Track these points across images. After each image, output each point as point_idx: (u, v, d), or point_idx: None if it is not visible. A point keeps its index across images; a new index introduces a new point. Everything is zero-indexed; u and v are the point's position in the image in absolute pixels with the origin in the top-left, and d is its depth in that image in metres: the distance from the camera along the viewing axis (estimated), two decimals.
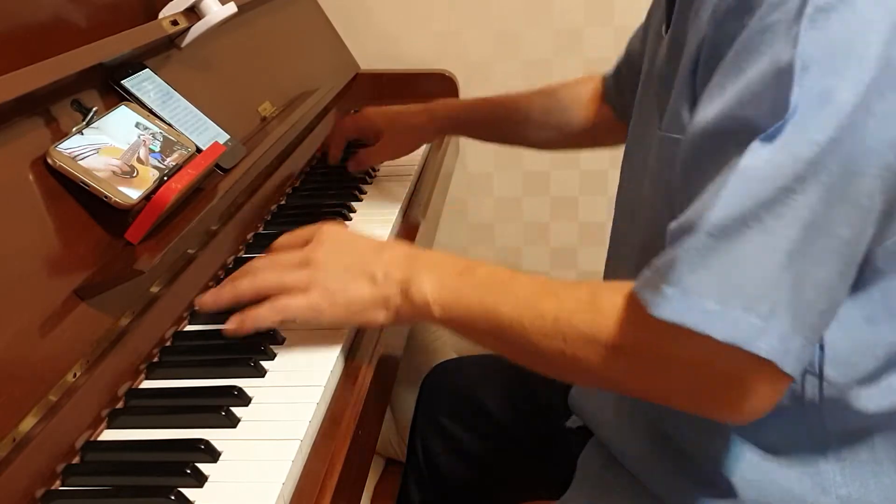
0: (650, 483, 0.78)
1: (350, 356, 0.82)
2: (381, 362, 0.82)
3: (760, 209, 0.56)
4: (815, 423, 0.69)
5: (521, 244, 1.89)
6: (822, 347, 0.66)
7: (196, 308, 0.83)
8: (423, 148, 1.40)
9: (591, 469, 0.87)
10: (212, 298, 0.79)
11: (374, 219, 1.12)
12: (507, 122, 1.17)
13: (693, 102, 0.66)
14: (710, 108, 0.60)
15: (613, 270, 0.90)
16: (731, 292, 0.57)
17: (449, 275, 0.73)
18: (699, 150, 0.62)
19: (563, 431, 0.95)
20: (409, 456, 1.14)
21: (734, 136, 0.58)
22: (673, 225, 0.61)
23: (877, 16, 0.55)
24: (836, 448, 0.70)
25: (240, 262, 0.99)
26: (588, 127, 1.15)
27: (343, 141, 1.26)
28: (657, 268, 0.60)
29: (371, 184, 1.25)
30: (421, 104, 1.22)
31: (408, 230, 1.11)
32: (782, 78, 0.56)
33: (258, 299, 0.76)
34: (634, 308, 0.62)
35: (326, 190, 1.22)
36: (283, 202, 1.17)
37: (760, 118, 0.57)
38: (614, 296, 0.64)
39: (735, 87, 0.59)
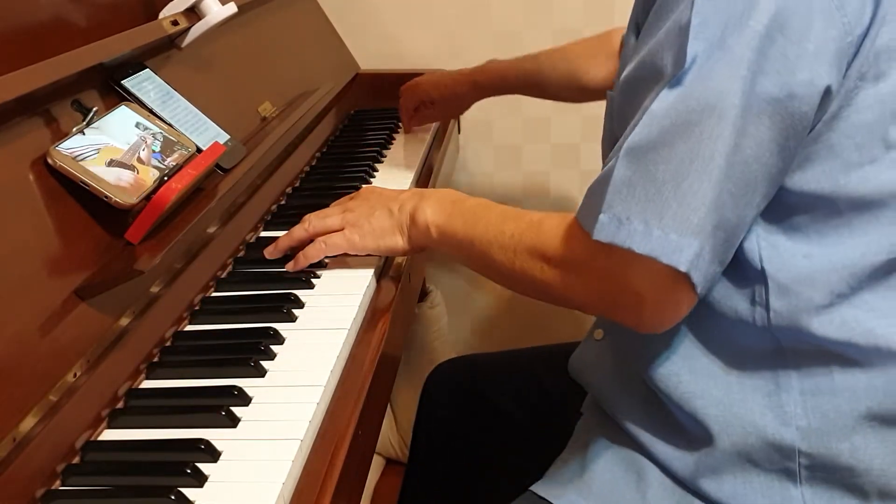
0: (639, 436, 0.82)
1: (350, 356, 0.82)
2: (381, 362, 0.82)
3: (669, 138, 0.66)
4: (777, 340, 0.75)
5: None
6: (766, 283, 0.73)
7: (265, 255, 0.96)
8: (424, 148, 1.41)
9: (589, 426, 0.89)
10: (272, 247, 0.96)
11: None
12: (538, 89, 1.34)
13: None
14: (634, 60, 0.72)
15: None
16: (652, 214, 0.67)
17: (445, 203, 0.89)
18: (624, 97, 0.74)
19: (562, 429, 0.95)
20: (411, 455, 1.14)
21: (647, 81, 0.70)
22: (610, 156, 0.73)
23: None
24: (797, 379, 0.75)
25: (240, 263, 0.99)
26: (599, 87, 1.26)
27: (411, 111, 1.45)
28: (591, 192, 0.72)
29: (372, 183, 1.25)
30: (468, 70, 1.38)
31: None
32: (682, 32, 0.66)
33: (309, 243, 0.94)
34: (571, 229, 0.75)
35: (327, 190, 1.22)
36: (283, 202, 1.17)
37: (666, 67, 0.68)
38: (557, 219, 0.77)
39: (652, 37, 0.70)
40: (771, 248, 0.73)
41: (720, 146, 0.65)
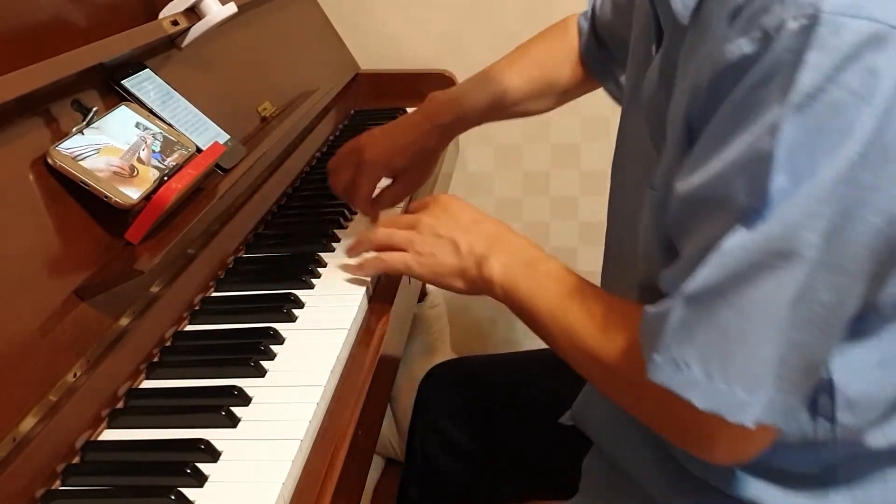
0: (652, 487, 0.79)
1: (350, 356, 0.82)
2: (381, 362, 0.82)
3: (740, 284, 0.58)
4: (826, 459, 0.69)
5: None
6: (833, 394, 0.65)
7: (347, 251, 0.96)
8: None
9: (596, 475, 0.87)
10: (348, 249, 0.97)
11: None
12: (507, 110, 1.14)
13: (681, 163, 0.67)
14: (695, 176, 0.61)
15: (613, 273, 0.91)
16: (715, 364, 0.59)
17: (517, 262, 0.81)
18: (684, 212, 0.64)
19: (559, 432, 0.95)
20: (407, 456, 1.14)
21: (712, 206, 0.60)
22: (667, 274, 0.65)
23: (872, 92, 0.54)
24: (848, 482, 0.70)
25: (240, 262, 0.99)
26: (570, 88, 1.16)
27: (369, 195, 1.08)
28: (649, 319, 0.64)
29: None
30: (414, 117, 1.10)
31: None
32: (761, 165, 0.56)
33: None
34: (635, 349, 0.66)
35: (327, 190, 1.21)
36: (283, 202, 1.17)
37: (739, 198, 0.58)
38: (622, 325, 0.70)
39: (719, 159, 0.59)
40: (840, 354, 0.64)
41: (798, 292, 0.57)
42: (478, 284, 0.83)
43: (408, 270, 0.87)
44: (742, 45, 0.57)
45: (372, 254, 0.92)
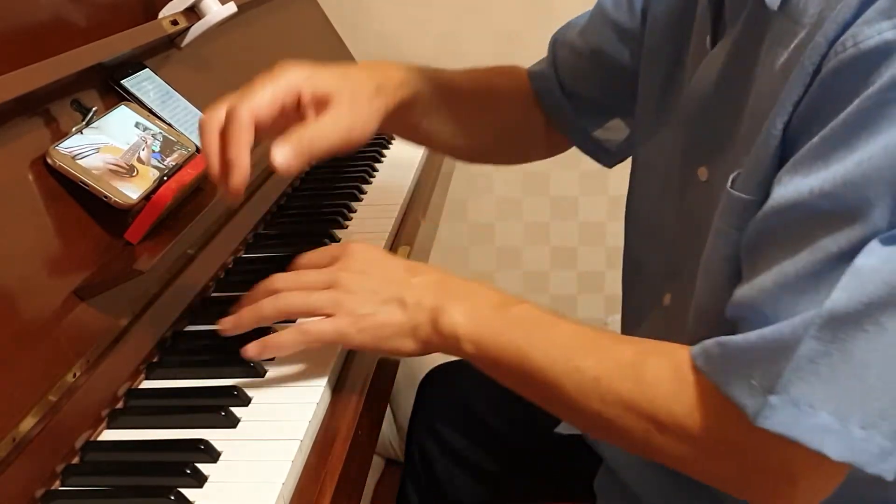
0: None
1: (350, 356, 0.81)
2: (381, 362, 0.82)
3: (879, 311, 0.51)
4: (888, 496, 0.65)
5: (520, 244, 1.89)
6: None
7: (219, 330, 0.75)
8: (422, 148, 1.40)
9: (609, 497, 0.85)
10: (233, 323, 0.74)
11: (375, 219, 1.12)
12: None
13: (780, 166, 0.58)
14: (807, 181, 0.54)
15: (635, 295, 0.88)
16: (850, 406, 0.51)
17: (483, 308, 0.68)
18: (782, 221, 0.56)
19: (558, 434, 0.94)
20: (406, 458, 1.13)
21: (829, 217, 0.53)
22: (742, 295, 0.57)
23: None
24: None
25: (240, 262, 0.99)
26: (514, 132, 1.02)
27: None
28: (735, 350, 0.55)
29: (371, 184, 1.25)
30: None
31: (408, 230, 1.11)
32: None
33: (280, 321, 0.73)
34: (699, 394, 0.58)
35: (327, 190, 1.22)
36: (283, 202, 1.17)
37: (871, 209, 0.51)
38: (660, 365, 0.60)
39: (843, 164, 0.52)
40: None
41: None
42: (434, 342, 0.70)
43: (342, 339, 0.71)
44: (883, 30, 0.51)
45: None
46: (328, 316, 0.71)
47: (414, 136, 0.97)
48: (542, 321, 0.67)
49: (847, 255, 0.52)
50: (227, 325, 0.74)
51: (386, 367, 0.84)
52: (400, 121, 0.87)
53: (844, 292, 0.51)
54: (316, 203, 1.17)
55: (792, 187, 0.55)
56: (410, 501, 1.11)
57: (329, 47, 1.61)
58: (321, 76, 0.77)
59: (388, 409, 1.58)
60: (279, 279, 0.74)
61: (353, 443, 0.70)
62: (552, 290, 1.92)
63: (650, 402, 0.59)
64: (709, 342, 0.58)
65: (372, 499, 1.56)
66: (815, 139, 0.54)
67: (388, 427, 1.71)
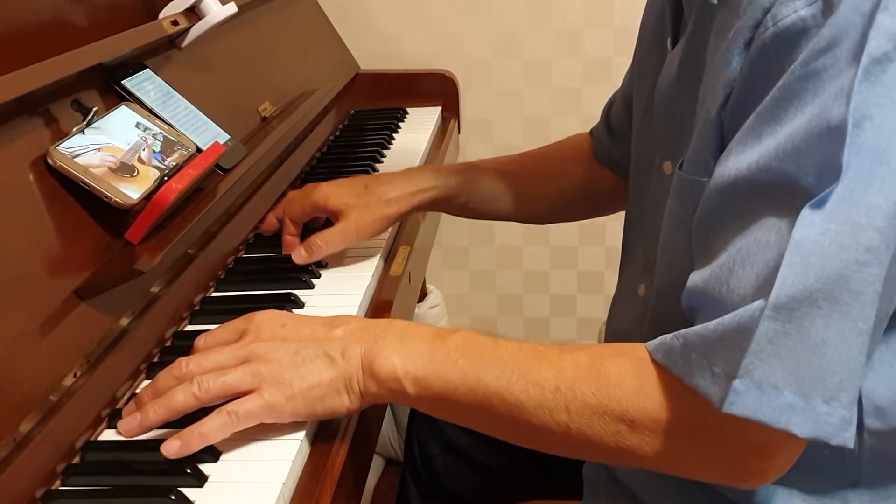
0: (651, 498, 0.76)
1: None
2: None
3: (831, 286, 0.51)
4: (850, 467, 0.66)
5: (521, 244, 1.89)
6: (860, 400, 0.61)
7: (119, 433, 0.69)
8: (423, 148, 1.41)
9: (596, 482, 0.85)
10: (134, 423, 0.67)
11: None
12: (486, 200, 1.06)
13: (720, 145, 0.61)
14: (744, 157, 0.56)
15: (622, 289, 0.90)
16: (812, 383, 0.52)
17: (417, 343, 0.65)
18: (725, 199, 0.57)
19: None
20: (406, 454, 1.14)
21: (770, 190, 0.54)
22: (696, 282, 0.58)
23: None
24: (870, 489, 0.67)
25: (240, 262, 0.99)
26: (582, 193, 1.08)
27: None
28: (695, 341, 0.56)
29: None
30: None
31: (408, 230, 1.11)
32: (832, 136, 0.51)
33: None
34: (664, 386, 0.58)
35: None
36: None
37: (806, 177, 0.52)
38: (620, 364, 0.60)
39: (774, 137, 0.54)
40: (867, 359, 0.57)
41: (880, 287, 0.52)
42: (371, 392, 0.66)
43: (272, 411, 0.65)
44: (798, 8, 0.53)
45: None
46: (250, 392, 0.65)
47: (469, 216, 1.09)
48: (484, 345, 0.64)
49: (792, 225, 0.53)
50: (127, 426, 0.67)
51: None
52: (443, 209, 1.06)
53: (790, 270, 0.52)
54: None
55: (731, 164, 0.57)
56: (410, 498, 1.11)
57: (329, 47, 1.61)
58: (338, 195, 0.97)
59: (388, 409, 1.58)
60: (185, 363, 0.67)
61: (353, 443, 0.70)
62: (552, 290, 1.93)
63: (618, 402, 0.59)
64: (668, 336, 0.59)
65: (372, 499, 1.56)
66: (750, 118, 0.56)
67: (388, 426, 1.71)
